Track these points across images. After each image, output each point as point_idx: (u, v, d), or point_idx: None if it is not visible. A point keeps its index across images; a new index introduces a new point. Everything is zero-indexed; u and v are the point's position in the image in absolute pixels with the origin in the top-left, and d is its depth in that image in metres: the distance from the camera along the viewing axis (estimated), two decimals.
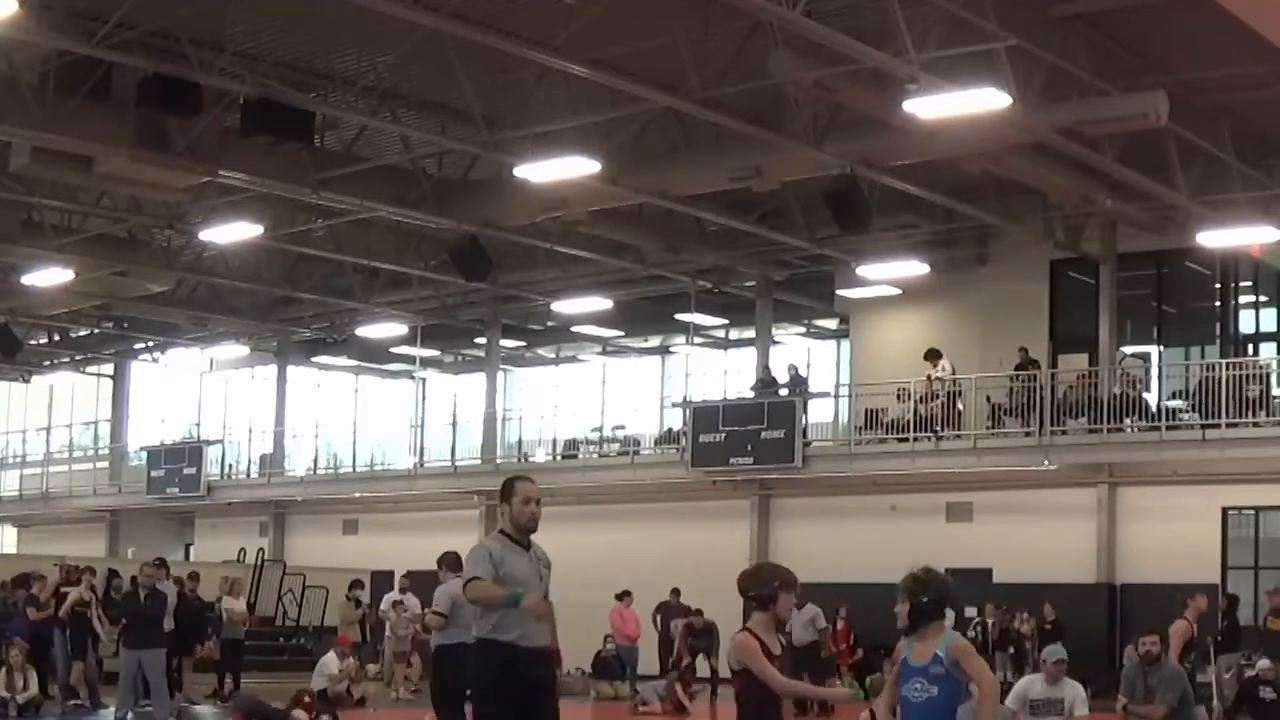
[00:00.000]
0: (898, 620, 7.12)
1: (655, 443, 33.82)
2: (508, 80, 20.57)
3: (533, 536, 8.20)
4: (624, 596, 26.80)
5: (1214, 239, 24.17)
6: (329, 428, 39.44)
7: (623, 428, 34.52)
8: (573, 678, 27.33)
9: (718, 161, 22.17)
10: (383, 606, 25.82)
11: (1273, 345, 27.90)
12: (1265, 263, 26.37)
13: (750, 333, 34.23)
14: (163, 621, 18.48)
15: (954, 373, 27.82)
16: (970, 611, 25.48)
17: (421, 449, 36.26)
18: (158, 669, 17.92)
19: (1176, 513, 25.94)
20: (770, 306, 32.44)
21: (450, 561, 13.15)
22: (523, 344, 39.70)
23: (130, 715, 18.24)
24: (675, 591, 26.99)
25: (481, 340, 37.84)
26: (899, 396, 28.26)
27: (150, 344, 40.70)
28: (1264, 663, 16.57)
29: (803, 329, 36.49)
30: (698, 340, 36.61)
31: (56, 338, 40.02)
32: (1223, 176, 23.00)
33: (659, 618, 27.07)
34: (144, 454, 40.75)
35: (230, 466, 40.84)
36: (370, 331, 35.54)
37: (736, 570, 7.92)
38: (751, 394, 31.02)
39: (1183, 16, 18.26)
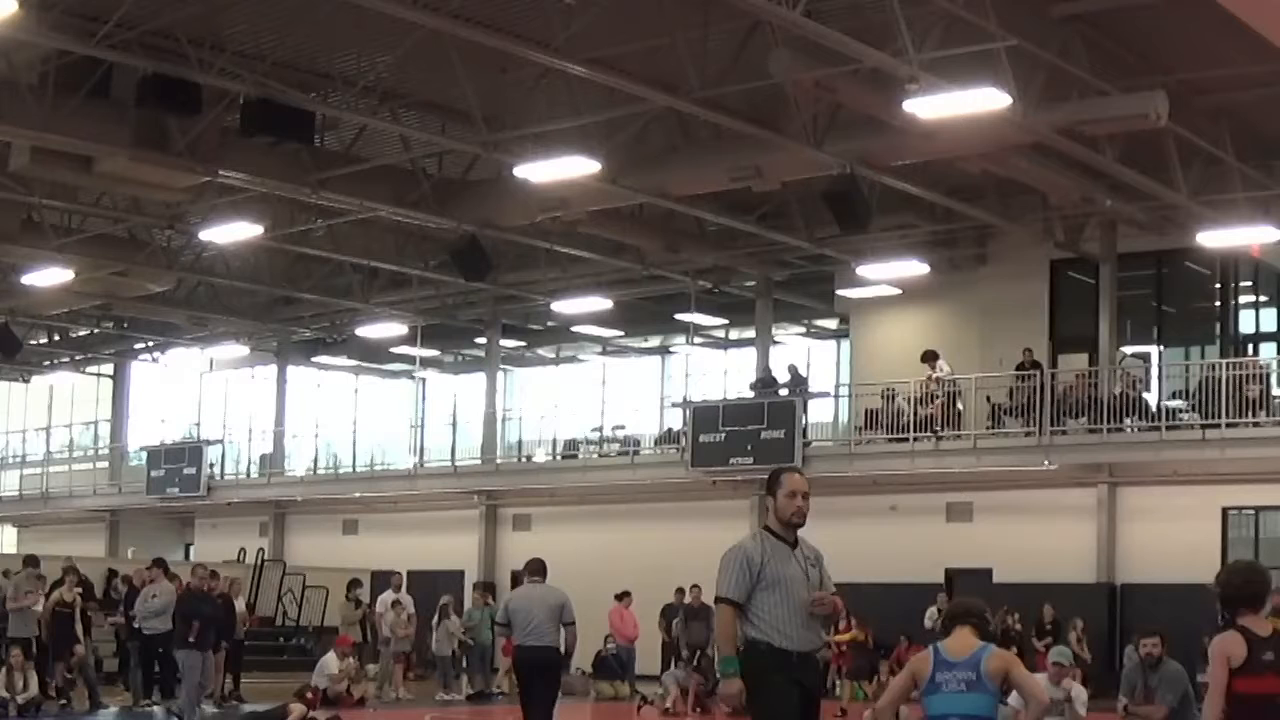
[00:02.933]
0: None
1: (655, 443, 33.79)
2: (508, 80, 20.57)
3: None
4: (623, 597, 26.79)
5: (1214, 239, 24.16)
6: (329, 428, 39.45)
7: (623, 428, 34.49)
8: (573, 677, 27.30)
9: (718, 161, 22.14)
10: (378, 608, 25.79)
11: (1273, 345, 27.89)
12: (1265, 263, 26.36)
13: (750, 333, 34.19)
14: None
15: (952, 373, 27.82)
16: None
17: (421, 449, 36.25)
18: (210, 669, 19.76)
19: (1176, 513, 25.93)
20: (770, 306, 32.41)
21: (534, 568, 13.14)
22: (523, 344, 39.66)
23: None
24: (680, 591, 26.68)
25: (481, 340, 37.81)
26: (891, 395, 28.21)
27: (150, 344, 40.70)
28: None
29: (803, 329, 36.45)
30: (698, 340, 36.58)
31: (56, 338, 40.02)
32: (1223, 176, 23.00)
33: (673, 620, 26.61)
34: (144, 454, 40.72)
35: (233, 464, 40.87)
36: (370, 331, 35.51)
37: None
38: (751, 394, 31.01)
39: (1183, 16, 18.28)
